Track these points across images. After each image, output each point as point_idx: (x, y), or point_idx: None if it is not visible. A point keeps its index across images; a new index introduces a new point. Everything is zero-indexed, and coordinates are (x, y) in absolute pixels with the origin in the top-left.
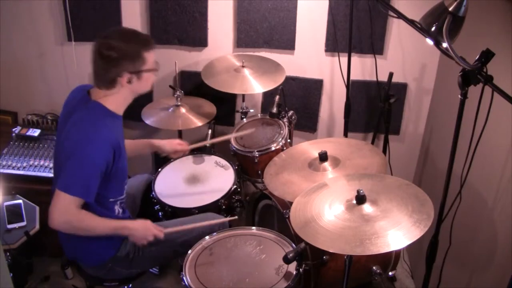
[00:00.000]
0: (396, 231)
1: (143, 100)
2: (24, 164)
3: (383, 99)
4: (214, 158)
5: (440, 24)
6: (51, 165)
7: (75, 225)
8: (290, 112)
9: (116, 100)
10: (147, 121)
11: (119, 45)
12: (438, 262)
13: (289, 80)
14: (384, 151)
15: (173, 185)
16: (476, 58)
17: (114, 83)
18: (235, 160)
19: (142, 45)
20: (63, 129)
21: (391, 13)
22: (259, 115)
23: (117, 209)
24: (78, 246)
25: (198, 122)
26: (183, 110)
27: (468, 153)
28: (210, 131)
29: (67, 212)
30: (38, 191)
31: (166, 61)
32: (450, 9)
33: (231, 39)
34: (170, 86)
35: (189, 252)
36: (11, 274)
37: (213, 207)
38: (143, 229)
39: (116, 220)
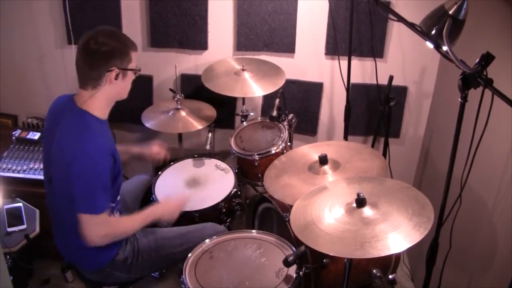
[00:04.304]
0: (396, 234)
1: (143, 103)
2: (24, 167)
3: (383, 102)
4: (214, 161)
5: (440, 27)
6: None
7: (113, 235)
8: (290, 115)
9: (101, 102)
10: (147, 124)
11: (108, 41)
12: (438, 265)
13: (289, 83)
14: (384, 154)
15: (173, 188)
16: (476, 61)
17: (100, 79)
18: (235, 163)
19: (130, 44)
20: (52, 136)
21: (391, 16)
22: (259, 118)
23: (115, 213)
24: (77, 251)
25: (198, 125)
26: (183, 113)
27: (468, 156)
28: (210, 134)
29: (101, 227)
30: (38, 194)
31: (166, 64)
32: (450, 12)
33: (231, 42)
34: (170, 89)
35: (189, 255)
36: (11, 277)
37: (213, 211)
38: (169, 204)
39: (141, 212)
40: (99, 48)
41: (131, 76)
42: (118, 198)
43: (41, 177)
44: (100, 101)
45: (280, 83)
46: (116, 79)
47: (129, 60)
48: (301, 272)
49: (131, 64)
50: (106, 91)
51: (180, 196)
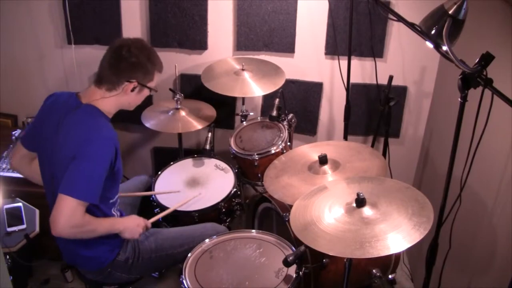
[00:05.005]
0: (396, 234)
1: (143, 103)
2: None
3: (383, 102)
4: (214, 161)
5: (440, 27)
6: None
7: (81, 229)
8: (290, 115)
9: (109, 104)
10: (147, 124)
11: (139, 54)
12: (438, 265)
13: (289, 83)
14: (384, 154)
15: (173, 188)
16: (476, 61)
17: (118, 86)
18: (235, 163)
19: (158, 65)
20: (54, 135)
21: (391, 16)
22: (259, 118)
23: (115, 211)
24: (77, 251)
25: (197, 125)
26: (183, 113)
27: (468, 156)
28: (210, 134)
29: (74, 216)
30: (38, 194)
31: (166, 64)
32: (450, 12)
33: (231, 42)
34: (170, 89)
35: (189, 255)
36: (11, 277)
37: (213, 210)
38: (132, 221)
39: (109, 218)
40: (128, 57)
41: (146, 93)
42: (118, 196)
43: None
44: (109, 104)
45: (280, 83)
46: (132, 91)
47: (151, 78)
48: (301, 272)
49: (151, 83)
50: (118, 98)
51: (142, 219)
